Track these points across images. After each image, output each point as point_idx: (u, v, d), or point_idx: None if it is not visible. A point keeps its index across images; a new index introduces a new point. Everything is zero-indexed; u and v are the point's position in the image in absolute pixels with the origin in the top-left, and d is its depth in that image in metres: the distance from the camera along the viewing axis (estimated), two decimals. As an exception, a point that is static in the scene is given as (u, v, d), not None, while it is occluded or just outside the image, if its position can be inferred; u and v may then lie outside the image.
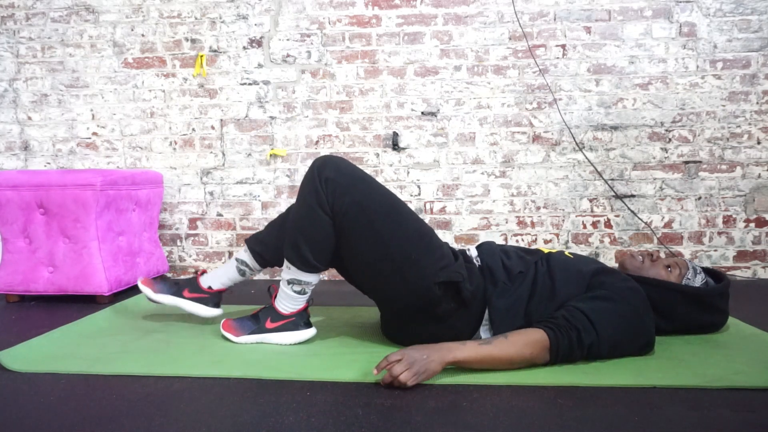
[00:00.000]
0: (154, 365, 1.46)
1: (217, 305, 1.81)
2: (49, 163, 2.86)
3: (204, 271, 1.84)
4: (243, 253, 1.79)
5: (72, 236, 2.22)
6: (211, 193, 2.81)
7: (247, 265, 1.78)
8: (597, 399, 1.23)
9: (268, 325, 1.64)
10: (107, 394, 1.29)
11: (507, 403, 1.21)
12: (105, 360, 1.50)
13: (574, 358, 1.39)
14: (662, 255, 1.74)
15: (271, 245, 1.75)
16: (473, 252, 1.64)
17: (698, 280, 1.64)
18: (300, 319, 1.64)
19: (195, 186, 2.81)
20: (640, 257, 1.70)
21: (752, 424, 1.11)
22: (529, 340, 1.35)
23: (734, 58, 2.58)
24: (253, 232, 2.79)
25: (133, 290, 2.44)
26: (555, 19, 2.63)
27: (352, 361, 1.47)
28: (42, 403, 1.23)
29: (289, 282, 1.61)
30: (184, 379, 1.38)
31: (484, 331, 1.53)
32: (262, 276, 2.78)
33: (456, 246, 2.49)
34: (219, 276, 1.80)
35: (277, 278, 2.73)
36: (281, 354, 1.55)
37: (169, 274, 2.83)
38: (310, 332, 1.65)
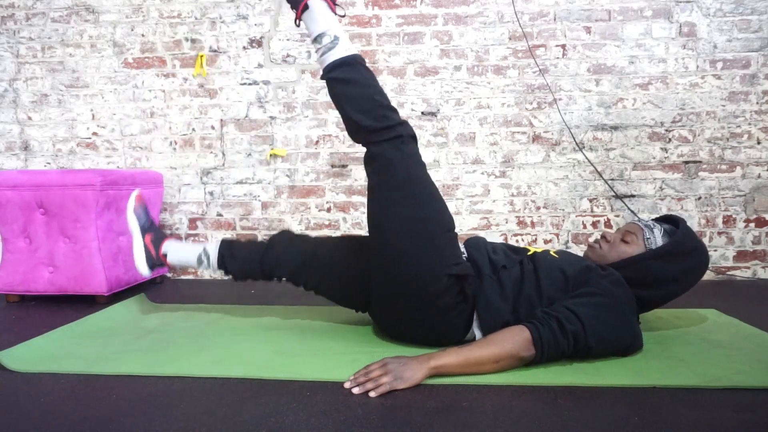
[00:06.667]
0: (154, 365, 1.46)
1: (152, 267, 1.90)
2: (49, 163, 2.86)
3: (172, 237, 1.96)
4: (211, 247, 1.84)
5: (72, 236, 2.22)
6: (211, 193, 2.81)
7: (208, 259, 1.83)
8: (597, 399, 1.23)
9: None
10: (107, 394, 1.29)
11: (507, 403, 1.21)
12: (105, 360, 1.50)
13: (561, 349, 1.37)
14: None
15: (238, 258, 1.79)
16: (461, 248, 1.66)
17: (658, 235, 1.61)
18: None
19: (195, 186, 2.81)
20: (598, 245, 1.68)
21: (752, 424, 1.11)
22: (508, 335, 1.36)
23: (734, 58, 2.58)
24: (253, 232, 2.80)
25: (134, 290, 2.44)
26: (555, 19, 2.63)
27: (352, 361, 1.46)
28: (42, 403, 1.23)
29: (318, 37, 1.61)
30: (184, 379, 1.37)
31: (475, 327, 1.53)
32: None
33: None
34: (178, 252, 1.88)
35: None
36: (281, 354, 1.55)
37: (169, 274, 2.84)
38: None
